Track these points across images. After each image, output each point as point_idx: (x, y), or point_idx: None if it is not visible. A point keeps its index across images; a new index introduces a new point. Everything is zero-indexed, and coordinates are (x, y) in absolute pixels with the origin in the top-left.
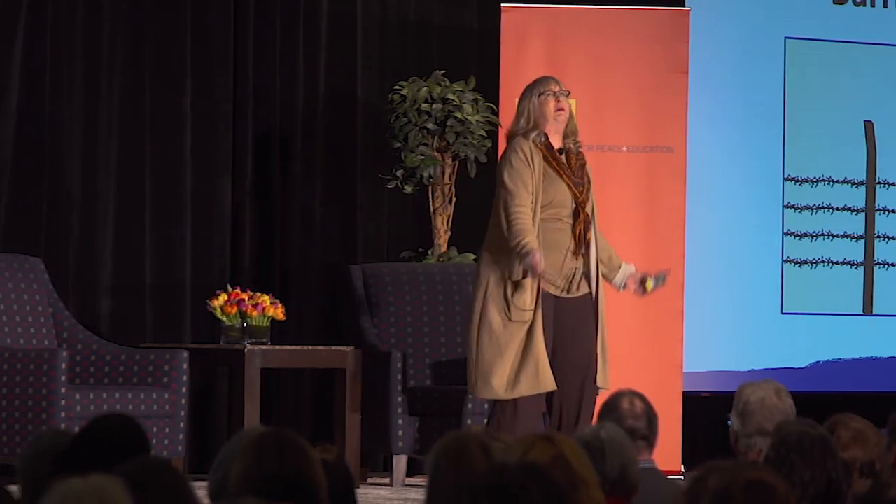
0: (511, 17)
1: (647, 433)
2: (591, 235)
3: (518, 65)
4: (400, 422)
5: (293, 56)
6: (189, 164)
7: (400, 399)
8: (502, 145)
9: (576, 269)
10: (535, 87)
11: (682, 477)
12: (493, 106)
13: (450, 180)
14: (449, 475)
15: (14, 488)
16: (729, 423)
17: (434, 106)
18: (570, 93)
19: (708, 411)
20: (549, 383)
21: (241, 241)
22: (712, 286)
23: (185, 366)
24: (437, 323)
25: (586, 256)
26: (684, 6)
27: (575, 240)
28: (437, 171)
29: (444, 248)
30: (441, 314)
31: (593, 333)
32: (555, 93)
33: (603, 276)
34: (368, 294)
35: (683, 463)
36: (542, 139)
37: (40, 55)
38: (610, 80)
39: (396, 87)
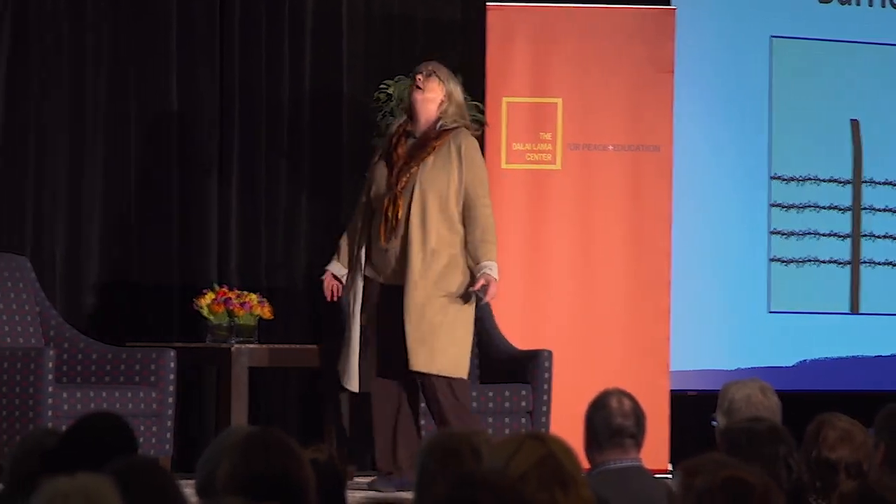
0: (497, 16)
1: (635, 431)
2: (402, 218)
3: (504, 63)
4: None
5: (279, 53)
6: (175, 163)
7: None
8: (489, 143)
9: (387, 251)
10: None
11: (669, 476)
12: (479, 104)
13: None
14: (437, 474)
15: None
16: (714, 423)
17: None
18: (434, 73)
19: (695, 410)
20: (352, 381)
21: (227, 239)
22: (699, 285)
23: (172, 364)
24: None
25: (402, 241)
26: (670, 5)
27: (381, 224)
28: None
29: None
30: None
31: (401, 320)
32: (419, 73)
33: (469, 267)
34: None
35: (671, 462)
36: (395, 126)
37: (24, 52)
38: (596, 78)
39: (382, 86)
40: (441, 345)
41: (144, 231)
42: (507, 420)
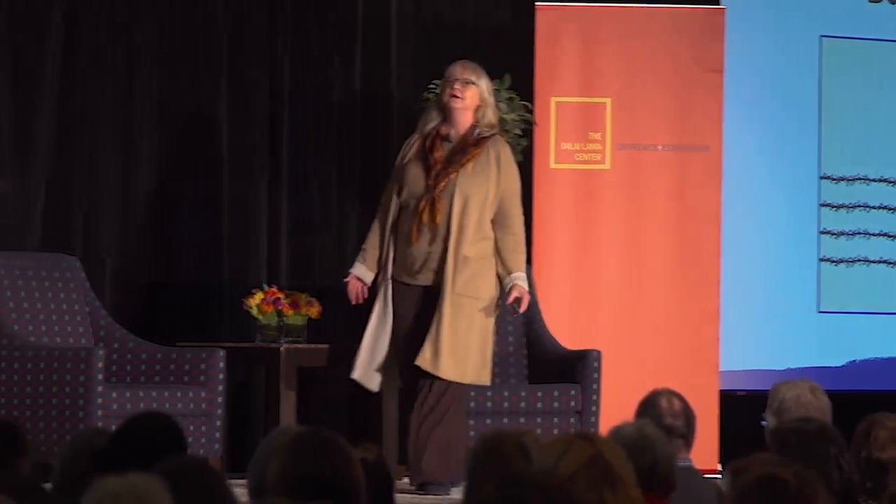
0: (545, 16)
1: (684, 432)
2: (440, 222)
3: (552, 63)
4: None
5: (328, 57)
6: (226, 164)
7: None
8: (538, 143)
9: (428, 254)
10: (447, 71)
11: (719, 476)
12: (528, 105)
13: None
14: (487, 474)
15: (49, 486)
16: (763, 423)
17: None
18: (472, 81)
19: (745, 410)
20: (359, 372)
21: (277, 239)
22: (748, 285)
23: (221, 364)
24: None
25: (436, 244)
26: (719, 4)
27: (415, 226)
28: None
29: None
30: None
31: (427, 322)
32: (456, 80)
33: (498, 274)
34: None
35: (720, 462)
36: (429, 128)
37: (75, 53)
38: (645, 78)
39: (431, 87)
40: (468, 352)
41: (194, 231)
42: (555, 420)
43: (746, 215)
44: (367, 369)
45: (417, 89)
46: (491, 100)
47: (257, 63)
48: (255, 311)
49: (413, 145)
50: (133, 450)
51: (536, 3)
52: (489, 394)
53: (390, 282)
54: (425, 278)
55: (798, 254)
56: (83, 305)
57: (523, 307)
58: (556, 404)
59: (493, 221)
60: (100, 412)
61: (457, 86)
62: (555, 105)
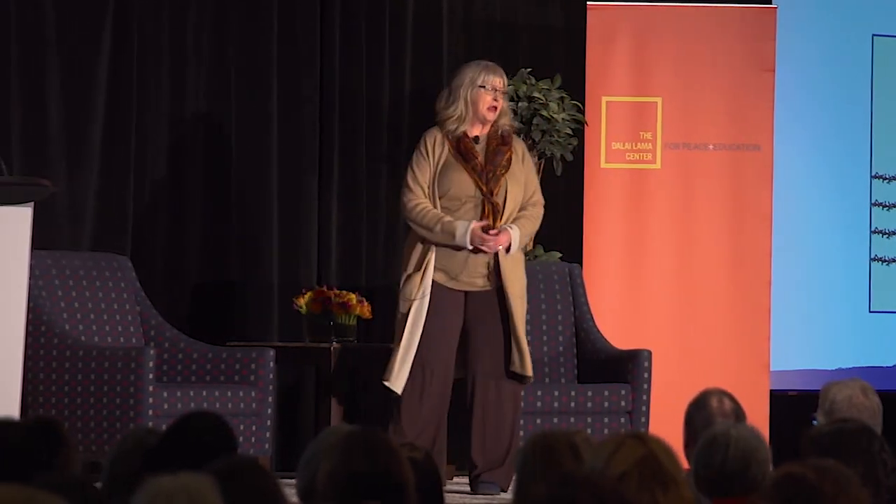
0: (597, 15)
1: None
2: (500, 226)
3: (604, 63)
4: None
5: (379, 56)
6: (275, 164)
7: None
8: (588, 142)
9: (479, 262)
10: (478, 75)
11: None
12: (579, 104)
13: None
14: (537, 474)
15: (99, 486)
16: (815, 422)
17: (520, 104)
18: (504, 91)
19: (796, 410)
20: (395, 382)
21: (327, 239)
22: (799, 284)
23: (271, 364)
24: None
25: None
26: (771, 4)
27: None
28: None
29: (529, 247)
30: (527, 312)
31: (496, 326)
32: (495, 90)
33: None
34: None
35: (771, 462)
36: (457, 132)
37: (126, 55)
38: (696, 77)
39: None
40: (526, 350)
41: (245, 230)
42: (606, 420)
43: (798, 215)
44: (399, 373)
45: None
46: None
47: (307, 64)
48: (305, 311)
49: (442, 143)
50: (183, 449)
51: (588, 3)
52: (539, 393)
53: (429, 289)
54: (475, 283)
55: (849, 253)
56: (134, 305)
57: (491, 247)
58: (606, 404)
59: None
60: (150, 412)
61: (498, 98)
62: (605, 104)
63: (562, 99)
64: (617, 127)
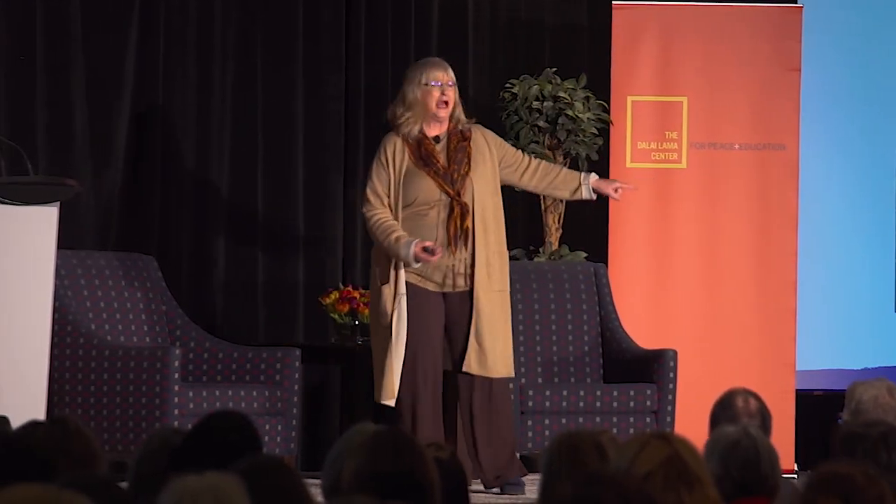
0: (623, 15)
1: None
2: (470, 225)
3: (629, 62)
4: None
5: (405, 54)
6: (301, 163)
7: (511, 397)
8: (613, 142)
9: (454, 263)
10: (421, 74)
11: (795, 476)
12: (605, 104)
13: None
14: (562, 473)
15: (124, 485)
16: (840, 422)
17: (545, 104)
18: (454, 82)
19: (821, 410)
20: (384, 395)
21: (352, 238)
22: (825, 284)
23: (297, 363)
24: (547, 321)
25: (471, 249)
26: (796, 3)
27: (449, 234)
28: None
29: (555, 246)
30: (552, 312)
31: (461, 326)
32: (441, 84)
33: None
34: None
35: (797, 462)
36: (415, 133)
37: (153, 53)
38: (721, 77)
39: (507, 85)
40: (507, 346)
41: (269, 230)
42: (631, 420)
43: (823, 214)
44: (391, 389)
45: (493, 88)
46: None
47: (332, 62)
48: (330, 310)
49: (402, 150)
50: (208, 449)
51: (613, 2)
52: (565, 393)
53: (404, 297)
54: (456, 283)
55: (875, 253)
56: (159, 305)
57: (627, 186)
58: (631, 404)
59: (510, 175)
60: (175, 411)
61: (447, 92)
62: (631, 104)
63: (587, 98)
64: (642, 126)
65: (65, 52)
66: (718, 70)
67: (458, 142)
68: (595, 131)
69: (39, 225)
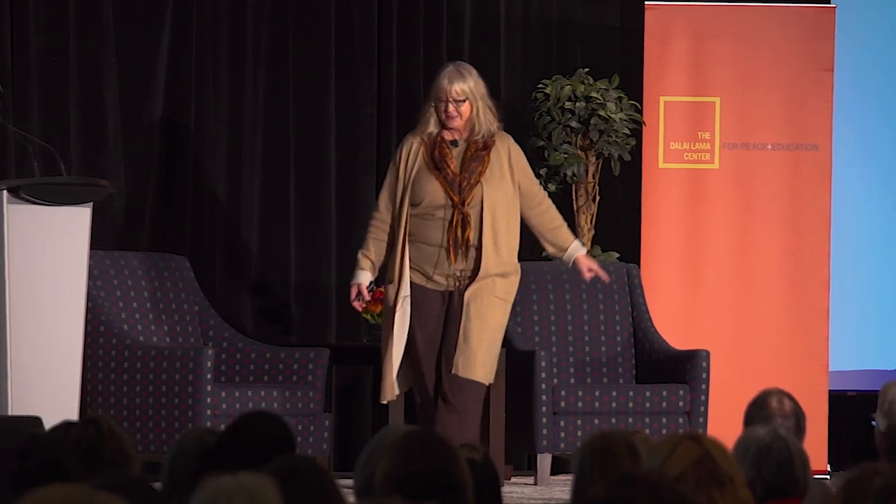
0: (655, 15)
1: (795, 432)
2: (471, 236)
3: (662, 62)
4: (544, 420)
5: (436, 57)
6: (333, 165)
7: (544, 398)
8: (646, 142)
9: (461, 270)
10: (437, 82)
11: (828, 476)
12: (637, 104)
13: (593, 178)
14: (595, 474)
15: (157, 486)
16: (874, 424)
17: (577, 104)
18: (463, 98)
19: (854, 410)
20: (383, 394)
21: None
22: (858, 284)
23: (329, 364)
24: (580, 322)
25: (474, 257)
26: (830, 3)
27: (450, 241)
28: (580, 169)
29: (588, 247)
30: (584, 313)
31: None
32: (448, 101)
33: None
34: None
35: (829, 462)
36: (434, 134)
37: (185, 56)
38: (754, 77)
39: (540, 86)
40: (491, 353)
41: (303, 231)
42: (664, 420)
43: (856, 214)
44: (389, 388)
45: (526, 89)
46: (484, 101)
47: (365, 66)
48: (362, 311)
49: (417, 151)
50: (241, 449)
51: (646, 3)
52: (597, 394)
53: (408, 299)
54: (461, 282)
55: None
56: (192, 305)
57: (602, 274)
58: (664, 404)
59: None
60: (208, 411)
61: (450, 108)
62: (663, 104)
63: (619, 99)
64: (675, 127)
65: (97, 54)
66: (751, 70)
67: (476, 150)
68: (627, 132)
69: (72, 225)
